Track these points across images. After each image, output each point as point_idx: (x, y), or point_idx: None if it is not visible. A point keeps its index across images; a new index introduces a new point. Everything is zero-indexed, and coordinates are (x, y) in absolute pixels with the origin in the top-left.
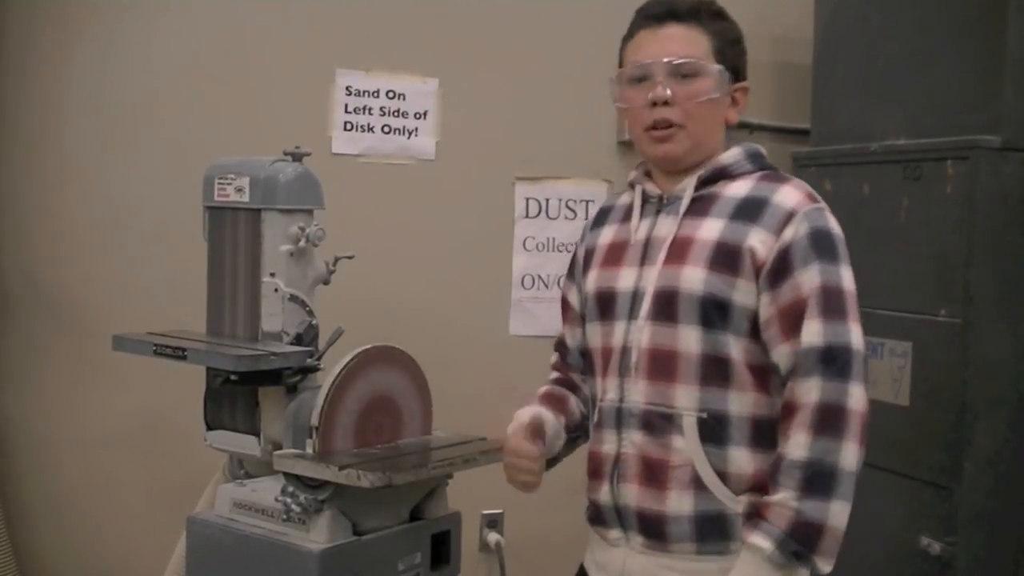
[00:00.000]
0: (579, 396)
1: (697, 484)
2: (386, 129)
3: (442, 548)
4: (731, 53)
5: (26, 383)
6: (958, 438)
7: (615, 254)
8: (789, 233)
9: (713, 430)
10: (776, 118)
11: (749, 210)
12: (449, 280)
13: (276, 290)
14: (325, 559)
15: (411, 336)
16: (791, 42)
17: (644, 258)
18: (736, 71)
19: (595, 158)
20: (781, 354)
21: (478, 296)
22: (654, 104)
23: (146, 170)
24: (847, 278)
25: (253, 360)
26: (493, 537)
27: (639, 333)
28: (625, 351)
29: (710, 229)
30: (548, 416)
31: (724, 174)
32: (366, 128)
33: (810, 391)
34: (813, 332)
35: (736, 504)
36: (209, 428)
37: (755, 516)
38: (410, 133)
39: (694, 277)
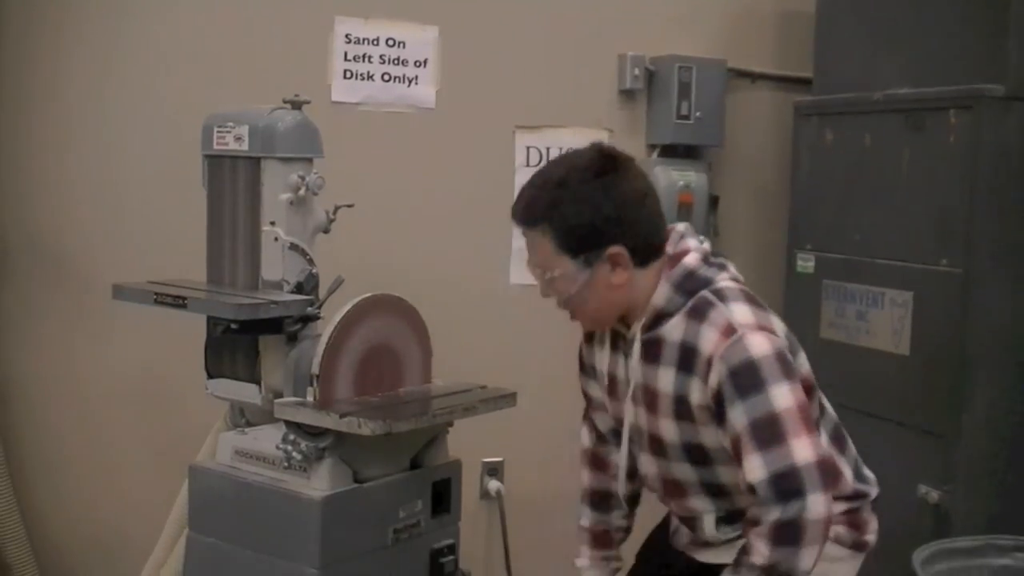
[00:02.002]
0: (615, 500)
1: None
2: (386, 77)
3: (442, 496)
4: (577, 236)
5: (26, 336)
6: (957, 387)
7: (613, 387)
8: (714, 379)
9: (735, 517)
10: (778, 67)
11: (685, 360)
12: (449, 229)
13: (276, 239)
14: (326, 506)
15: (411, 285)
16: None
17: (633, 398)
18: (599, 243)
19: (596, 107)
20: (730, 473)
21: (478, 245)
22: None
23: (144, 119)
24: (779, 397)
25: (253, 309)
26: (494, 485)
27: (648, 463)
28: (644, 476)
29: (665, 381)
30: None
31: (662, 315)
32: (365, 76)
33: (770, 512)
34: (755, 468)
35: None
36: (210, 377)
37: None
38: (410, 81)
39: (669, 428)
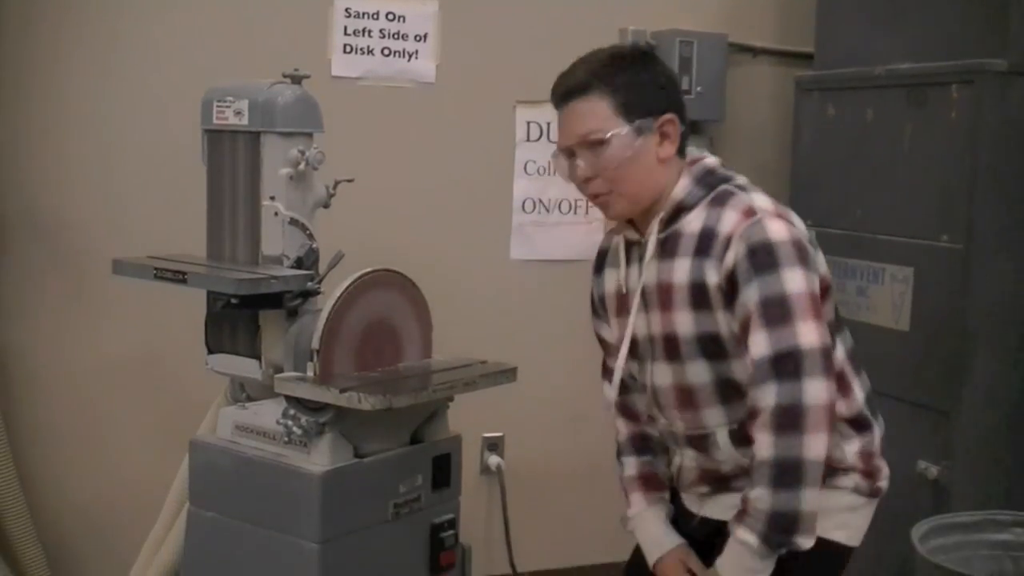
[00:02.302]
0: (654, 439)
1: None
2: (386, 52)
3: (443, 471)
4: (639, 100)
5: (25, 311)
6: (957, 363)
7: (622, 303)
8: (730, 257)
9: (746, 436)
10: (779, 42)
11: (703, 244)
12: (449, 204)
13: (276, 214)
14: (326, 481)
15: (411, 260)
16: None
17: (645, 304)
18: (653, 111)
19: None
20: (744, 367)
21: (478, 220)
22: (584, 180)
23: (144, 94)
24: (792, 280)
25: (253, 283)
26: (494, 460)
27: (661, 373)
28: (656, 390)
29: (681, 272)
30: (666, 526)
31: (682, 208)
32: (365, 51)
33: (767, 396)
34: (759, 343)
35: None
36: (210, 352)
37: (740, 510)
38: (410, 56)
39: (684, 321)
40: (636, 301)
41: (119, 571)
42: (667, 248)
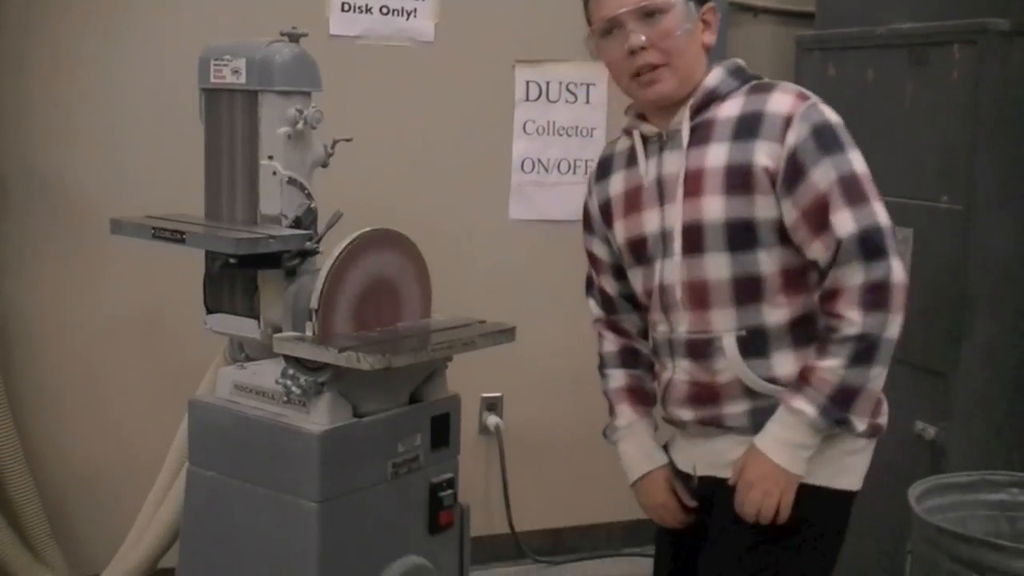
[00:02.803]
0: (643, 355)
1: (748, 392)
2: (384, 10)
3: (441, 430)
4: None
5: (23, 270)
6: (956, 325)
7: (633, 200)
8: (792, 138)
9: (754, 344)
10: (780, 1)
11: (748, 126)
12: (448, 164)
13: (274, 173)
14: (325, 440)
15: (410, 220)
16: None
17: (662, 197)
18: None
19: None
20: (817, 250)
21: (477, 180)
22: (632, 52)
23: (142, 51)
24: (857, 161)
25: (252, 243)
26: (492, 420)
27: (675, 269)
28: (664, 288)
29: (716, 156)
30: (655, 442)
31: (714, 97)
32: (364, 9)
33: (855, 274)
34: (845, 221)
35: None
36: (209, 312)
37: (799, 380)
38: (408, 14)
39: (714, 206)
40: (655, 190)
41: (119, 529)
42: (697, 135)
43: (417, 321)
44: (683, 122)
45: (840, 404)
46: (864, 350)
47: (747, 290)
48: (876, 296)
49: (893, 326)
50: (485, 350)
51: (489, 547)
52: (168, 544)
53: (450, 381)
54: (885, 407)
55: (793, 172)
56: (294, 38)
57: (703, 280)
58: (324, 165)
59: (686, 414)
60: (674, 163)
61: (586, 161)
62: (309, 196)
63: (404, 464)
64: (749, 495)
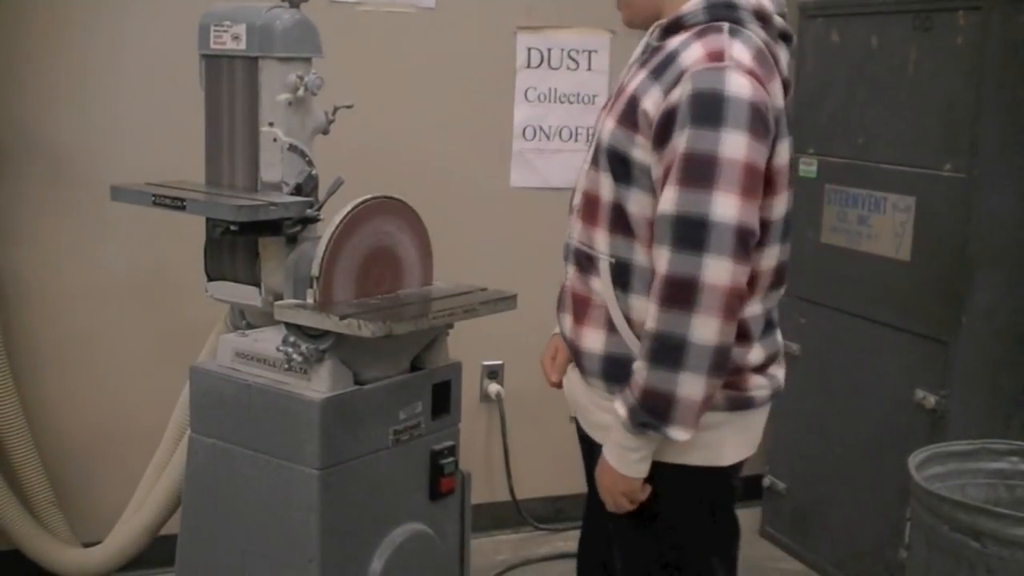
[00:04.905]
0: None
1: (609, 326)
2: None
3: (443, 398)
4: None
5: (23, 235)
6: (957, 292)
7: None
8: (676, 94)
9: (621, 276)
10: None
11: (660, 66)
12: (449, 131)
13: (275, 140)
14: (326, 408)
15: (411, 187)
16: None
17: (606, 104)
18: None
19: (598, 7)
20: (639, 204)
21: (479, 147)
22: None
23: (141, 17)
24: (731, 144)
25: (252, 210)
26: (493, 388)
27: (582, 177)
28: (574, 192)
29: (633, 83)
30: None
31: (678, 24)
32: None
33: (660, 260)
34: (667, 200)
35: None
36: (210, 279)
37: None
38: None
39: (607, 128)
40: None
41: (121, 495)
42: (645, 57)
43: (418, 288)
44: (642, 41)
45: (649, 411)
46: (662, 350)
47: (621, 221)
48: (675, 292)
49: (701, 330)
50: (486, 318)
51: (490, 514)
52: (170, 511)
53: (451, 349)
54: (760, 381)
55: (663, 130)
56: (295, 3)
57: (596, 195)
58: (325, 132)
59: (565, 319)
60: (625, 75)
61: (587, 128)
62: (310, 163)
63: (405, 431)
64: (604, 498)
